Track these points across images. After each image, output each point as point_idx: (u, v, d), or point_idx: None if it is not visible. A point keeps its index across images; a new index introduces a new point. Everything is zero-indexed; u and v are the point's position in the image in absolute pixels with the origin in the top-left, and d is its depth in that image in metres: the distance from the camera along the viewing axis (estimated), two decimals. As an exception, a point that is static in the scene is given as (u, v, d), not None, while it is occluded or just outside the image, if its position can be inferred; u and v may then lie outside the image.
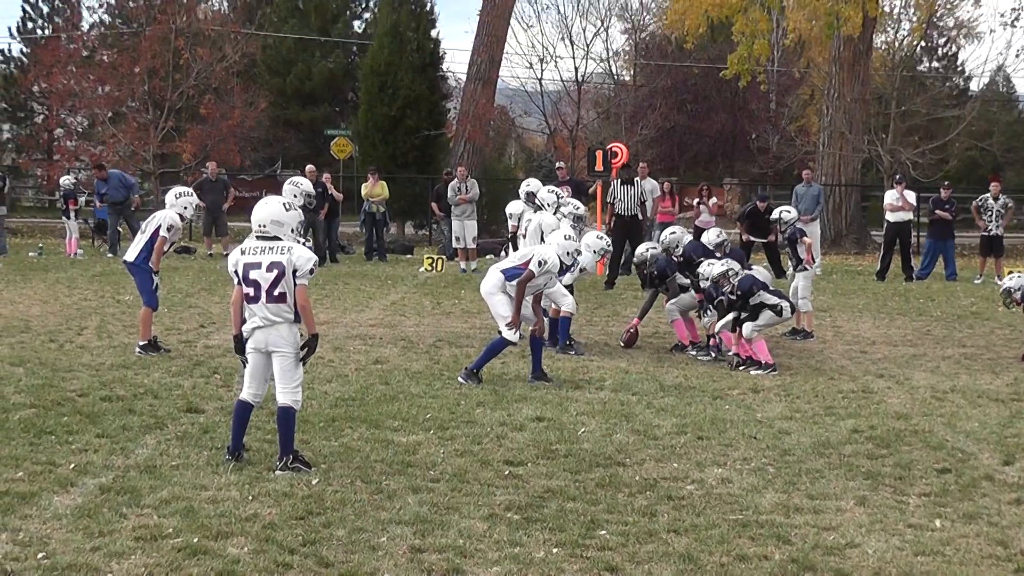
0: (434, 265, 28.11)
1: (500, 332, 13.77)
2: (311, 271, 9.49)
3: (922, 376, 14.69)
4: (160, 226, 15.10)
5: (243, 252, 9.58)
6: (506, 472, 9.57)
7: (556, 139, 51.45)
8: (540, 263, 13.66)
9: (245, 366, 9.71)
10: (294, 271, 9.39)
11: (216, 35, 44.62)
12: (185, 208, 15.55)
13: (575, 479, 9.40)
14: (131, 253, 15.32)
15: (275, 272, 9.35)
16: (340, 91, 60.24)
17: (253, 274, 9.42)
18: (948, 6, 46.68)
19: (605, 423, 11.45)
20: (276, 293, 9.37)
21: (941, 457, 10.33)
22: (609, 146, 30.74)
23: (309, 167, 31.22)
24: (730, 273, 15.09)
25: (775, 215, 18.80)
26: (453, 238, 29.46)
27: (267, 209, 9.68)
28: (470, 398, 12.49)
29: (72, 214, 31.46)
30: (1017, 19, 45.41)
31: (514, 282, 13.69)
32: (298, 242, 9.86)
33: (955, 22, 58.21)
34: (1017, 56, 68.39)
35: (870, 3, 35.75)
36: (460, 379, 13.41)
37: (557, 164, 29.78)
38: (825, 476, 9.66)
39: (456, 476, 9.38)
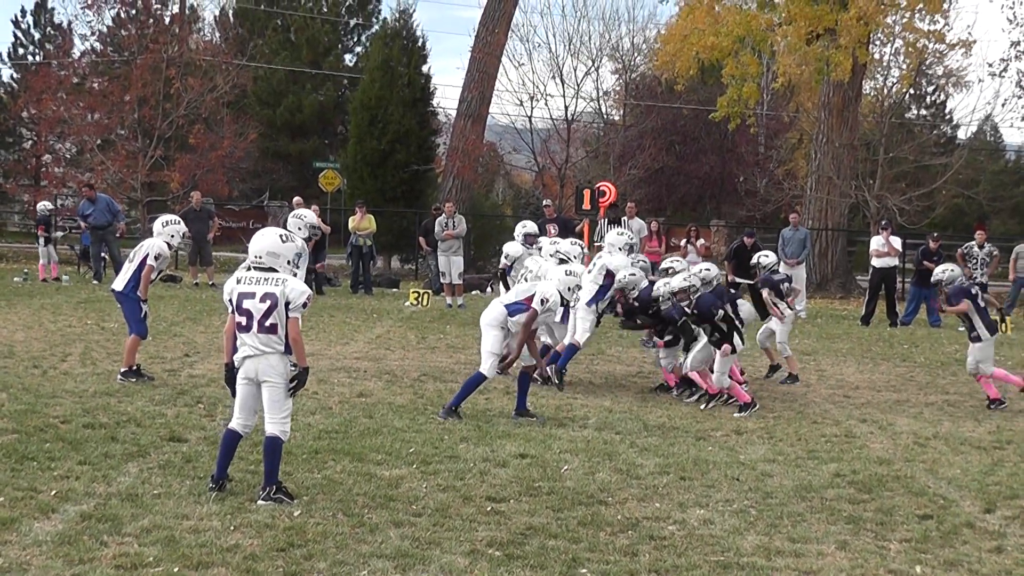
0: (420, 299, 28.11)
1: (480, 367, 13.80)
2: (304, 304, 9.51)
3: (905, 422, 14.71)
4: (148, 255, 15.11)
5: (239, 281, 9.62)
6: (488, 508, 9.56)
7: (544, 177, 51.47)
8: (543, 301, 13.70)
9: (234, 397, 9.71)
10: (287, 303, 9.42)
11: (207, 65, 44.64)
12: (172, 236, 15.54)
13: (557, 517, 9.40)
14: (119, 282, 15.32)
15: (268, 303, 9.38)
16: (330, 124, 60.40)
17: (247, 303, 9.45)
18: (937, 55, 46.83)
19: (588, 461, 11.45)
20: (267, 324, 9.40)
21: (923, 503, 10.34)
22: (597, 185, 30.85)
23: (297, 199, 31.30)
24: (691, 289, 15.07)
25: (754, 259, 18.78)
26: (439, 273, 29.48)
27: (264, 240, 9.72)
28: (454, 433, 12.49)
29: (42, 240, 31.32)
30: (1005, 69, 45.74)
31: (516, 317, 13.76)
32: (294, 274, 9.88)
33: (944, 71, 58.43)
34: (1004, 105, 68.46)
35: (860, 50, 35.92)
36: (439, 416, 13.40)
37: (544, 202, 29.87)
38: (807, 519, 9.67)
39: (438, 511, 9.37)
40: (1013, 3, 51.15)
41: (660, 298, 15.62)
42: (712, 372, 15.17)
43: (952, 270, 17.63)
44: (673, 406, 15.22)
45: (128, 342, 15.12)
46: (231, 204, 50.88)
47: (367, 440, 11.93)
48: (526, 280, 16.56)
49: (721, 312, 14.83)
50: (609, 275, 16.21)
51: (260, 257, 9.64)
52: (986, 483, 11.24)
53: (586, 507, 9.74)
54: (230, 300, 9.59)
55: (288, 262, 9.76)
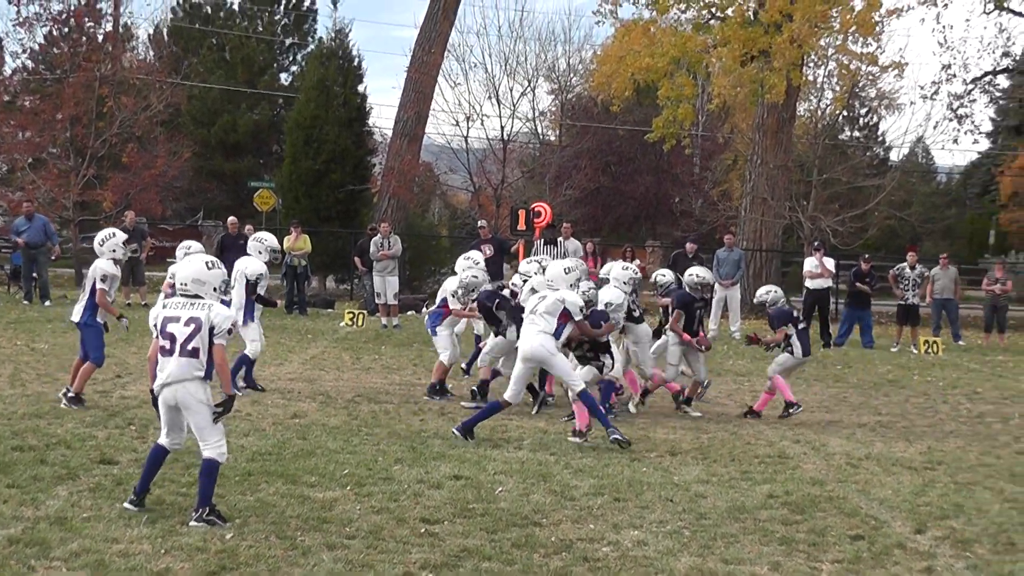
0: (355, 320, 28.02)
1: (572, 388, 14.03)
2: (228, 331, 9.49)
3: (838, 442, 14.78)
4: (95, 280, 14.97)
5: (164, 306, 9.64)
6: (422, 530, 9.53)
7: (481, 197, 51.49)
8: (581, 309, 14.01)
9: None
10: (211, 328, 9.39)
11: (141, 84, 44.31)
12: (114, 251, 15.39)
13: (491, 539, 9.37)
14: (76, 313, 15.15)
15: (192, 327, 9.41)
16: (265, 143, 60.18)
17: (171, 327, 9.47)
18: (870, 77, 47.25)
19: (523, 483, 11.44)
20: (190, 348, 9.41)
21: (855, 524, 10.39)
22: (533, 206, 30.85)
23: (231, 219, 31.15)
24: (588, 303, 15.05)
25: (652, 277, 18.75)
26: (375, 293, 29.39)
27: (190, 268, 9.78)
28: (388, 455, 12.45)
29: None
30: (936, 92, 46.23)
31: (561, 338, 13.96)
32: (220, 300, 9.86)
33: (877, 93, 58.97)
34: (936, 128, 69.25)
35: (794, 72, 36.16)
36: (455, 431, 13.63)
37: (480, 223, 29.80)
38: (740, 540, 9.69)
39: (372, 533, 9.33)
40: (943, 27, 51.86)
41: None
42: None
43: (775, 291, 17.72)
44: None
45: (84, 368, 14.94)
46: (165, 223, 50.58)
47: (300, 462, 11.87)
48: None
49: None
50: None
51: (186, 284, 9.67)
52: (917, 504, 11.31)
53: (520, 529, 9.73)
54: (155, 324, 9.58)
55: (215, 289, 9.76)
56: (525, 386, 14.25)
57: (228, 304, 12.31)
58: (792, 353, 16.94)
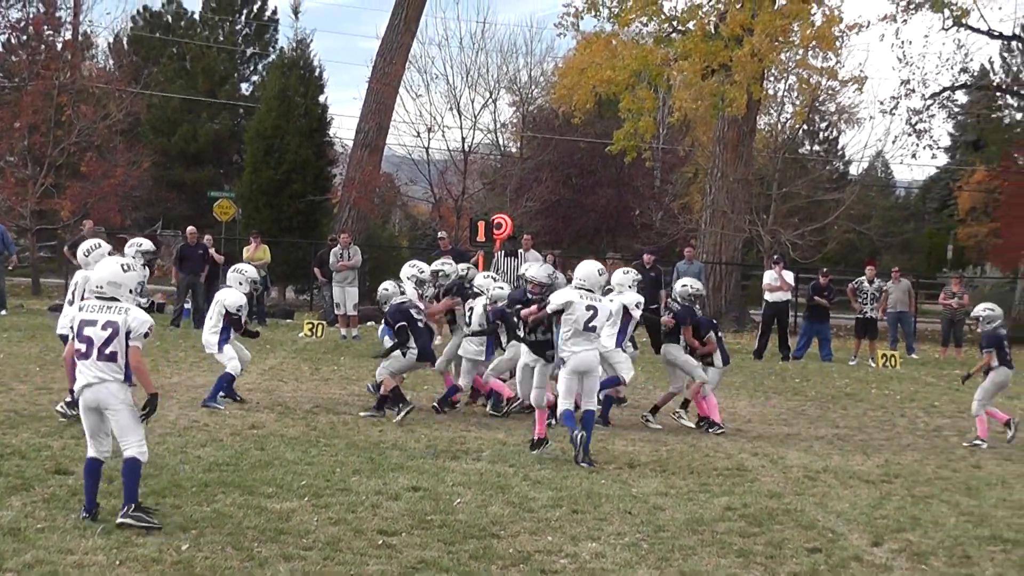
0: (314, 331, 27.94)
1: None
2: (145, 334, 9.54)
3: (795, 455, 14.82)
4: (84, 290, 14.87)
5: (81, 309, 9.69)
6: (380, 542, 9.49)
7: (441, 208, 51.49)
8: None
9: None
10: (128, 332, 9.42)
11: (100, 93, 44.14)
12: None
13: (449, 550, 9.35)
14: (64, 326, 14.99)
15: (109, 331, 9.46)
16: (225, 153, 59.98)
17: (87, 331, 9.51)
18: (830, 91, 47.48)
19: (481, 494, 11.41)
20: (107, 352, 9.45)
21: (812, 537, 10.41)
22: (494, 217, 30.86)
23: (190, 228, 31.04)
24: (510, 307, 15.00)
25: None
26: (334, 304, 29.32)
27: (105, 271, 9.81)
28: (346, 466, 12.40)
29: None
30: (896, 107, 46.39)
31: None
32: (137, 303, 9.86)
33: (837, 107, 59.27)
34: (895, 142, 69.75)
35: (755, 86, 36.30)
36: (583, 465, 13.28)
37: (440, 234, 29.78)
38: (698, 553, 9.69)
39: (329, 545, 9.29)
40: (903, 43, 52.10)
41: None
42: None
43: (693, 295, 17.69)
44: (567, 439, 15.19)
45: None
46: (123, 233, 50.30)
47: (258, 473, 11.82)
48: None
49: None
50: (627, 314, 16.32)
51: (101, 287, 9.68)
52: (874, 517, 11.34)
53: (478, 540, 9.70)
54: (72, 327, 9.59)
55: (130, 291, 9.79)
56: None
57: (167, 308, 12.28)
58: (714, 365, 17.03)
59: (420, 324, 16.49)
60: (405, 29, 41.55)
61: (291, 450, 13.19)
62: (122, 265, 9.87)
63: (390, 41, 41.51)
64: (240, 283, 17.21)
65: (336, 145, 49.25)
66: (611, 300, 15.76)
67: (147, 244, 16.77)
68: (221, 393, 16.48)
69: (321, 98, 44.01)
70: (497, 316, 16.64)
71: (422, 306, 17.11)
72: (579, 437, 13.34)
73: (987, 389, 17.03)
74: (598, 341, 14.03)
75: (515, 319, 15.86)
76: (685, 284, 17.45)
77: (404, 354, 16.30)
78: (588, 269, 14.17)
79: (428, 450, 13.65)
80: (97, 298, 9.69)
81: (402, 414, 15.92)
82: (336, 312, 29.12)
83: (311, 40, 43.88)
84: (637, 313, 16.52)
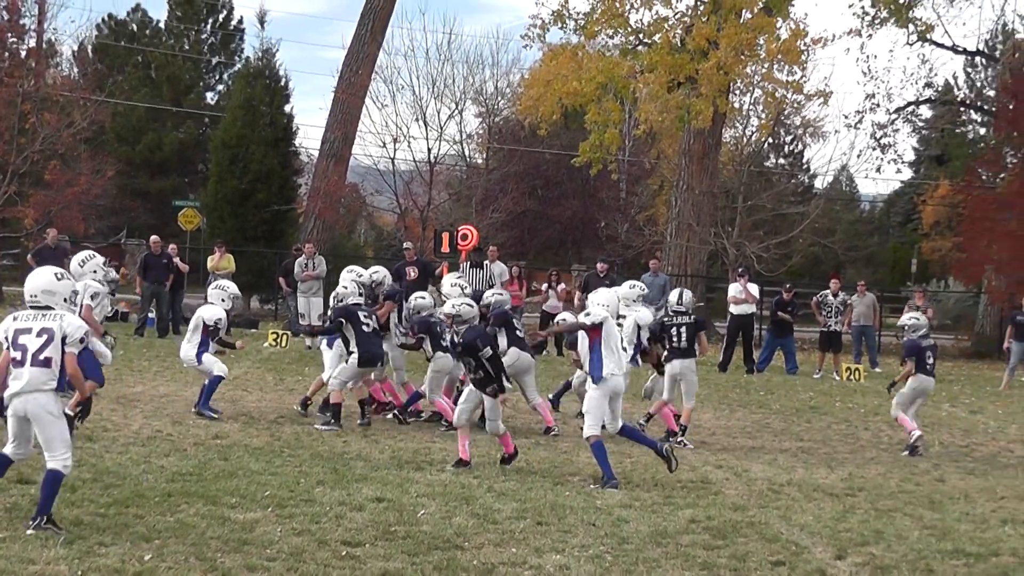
0: (279, 340, 27.86)
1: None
2: (81, 340, 9.52)
3: (760, 468, 14.85)
4: (82, 298, 14.82)
5: (15, 319, 9.69)
6: (343, 552, 9.46)
7: (407, 219, 51.45)
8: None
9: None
10: (64, 338, 9.42)
11: (65, 101, 43.88)
12: (95, 272, 15.47)
13: (412, 561, 9.31)
14: None
15: (44, 337, 9.48)
16: (190, 162, 59.89)
17: (22, 339, 9.51)
18: (796, 105, 47.64)
19: (445, 505, 11.39)
20: (42, 358, 9.44)
21: (776, 550, 10.41)
22: (459, 228, 30.84)
23: (154, 237, 30.96)
24: (457, 317, 14.91)
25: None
26: (299, 314, 29.25)
27: (38, 279, 9.85)
28: (310, 476, 12.37)
29: None
30: (861, 121, 46.61)
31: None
32: (71, 311, 9.85)
33: (802, 121, 59.46)
34: (859, 157, 69.90)
35: (721, 99, 36.40)
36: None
37: (405, 244, 29.73)
38: (662, 565, 9.68)
39: (293, 555, 9.25)
40: (868, 57, 52.39)
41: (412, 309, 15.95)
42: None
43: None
44: (531, 451, 15.20)
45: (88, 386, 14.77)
46: (88, 242, 50.07)
47: (222, 483, 11.77)
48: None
49: (489, 351, 14.31)
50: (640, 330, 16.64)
51: (35, 296, 9.73)
52: (837, 530, 11.36)
53: (442, 552, 9.67)
54: (6, 336, 9.58)
55: (64, 299, 9.80)
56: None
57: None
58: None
59: (365, 327, 16.42)
60: (371, 39, 41.55)
61: (255, 460, 13.15)
62: (56, 274, 9.92)
63: (356, 51, 41.49)
64: (222, 300, 17.34)
65: (302, 155, 49.14)
66: (623, 317, 16.00)
67: (233, 289, 17.82)
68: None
69: (287, 108, 43.93)
70: (423, 327, 16.73)
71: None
72: (666, 448, 13.62)
73: (905, 395, 17.53)
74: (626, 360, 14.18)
75: (439, 330, 16.29)
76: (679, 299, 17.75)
77: (347, 360, 16.32)
78: (608, 295, 14.33)
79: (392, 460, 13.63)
80: (31, 307, 9.70)
81: (327, 427, 16.03)
82: (300, 322, 29.03)
83: (277, 50, 43.71)
84: (646, 333, 16.70)
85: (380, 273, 18.55)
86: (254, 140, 41.07)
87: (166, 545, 9.32)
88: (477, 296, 17.70)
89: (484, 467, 13.69)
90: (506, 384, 14.43)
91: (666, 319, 17.29)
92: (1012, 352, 29.08)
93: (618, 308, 14.41)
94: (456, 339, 14.78)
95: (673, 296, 17.64)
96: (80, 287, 14.87)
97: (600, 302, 13.85)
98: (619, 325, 14.37)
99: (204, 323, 16.86)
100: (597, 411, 13.36)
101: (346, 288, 16.98)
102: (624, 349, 14.03)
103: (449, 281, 18.34)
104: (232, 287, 17.80)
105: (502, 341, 16.58)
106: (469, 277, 26.15)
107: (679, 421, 17.06)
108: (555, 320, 17.59)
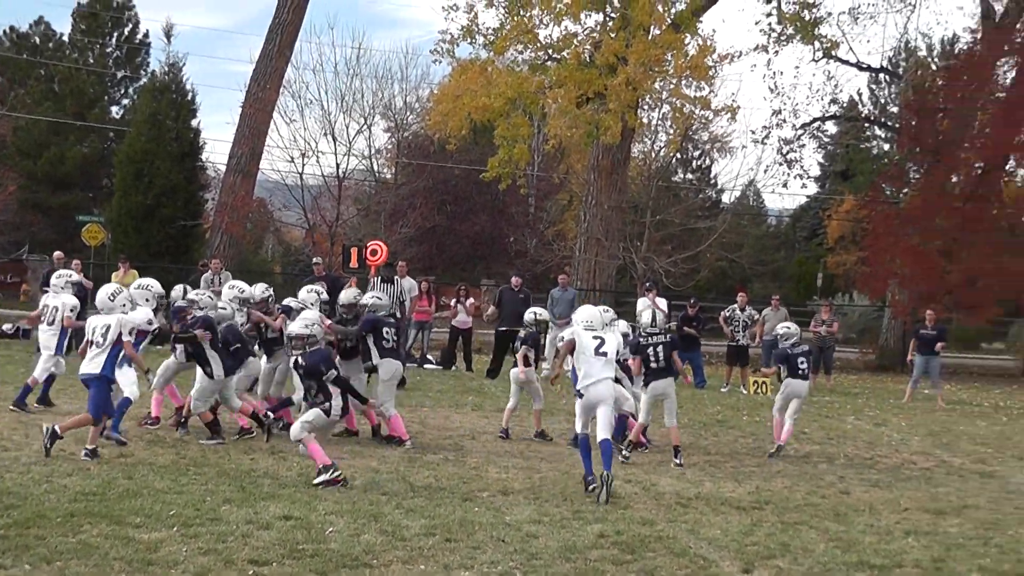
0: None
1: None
2: None
3: (668, 482, 14.88)
4: (120, 333, 14.83)
5: None
6: (250, 572, 9.37)
7: (315, 234, 51.23)
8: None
9: None
10: None
11: (-35, 115, 43.44)
12: (124, 305, 15.53)
13: (320, 580, 9.25)
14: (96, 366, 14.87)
15: None
16: (95, 177, 59.23)
17: None
18: (703, 121, 48.02)
19: (354, 523, 11.31)
20: None
21: (684, 563, 10.43)
22: (368, 244, 30.74)
23: (57, 253, 30.54)
24: (308, 338, 14.64)
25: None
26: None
27: None
28: (216, 494, 12.23)
29: None
30: (767, 137, 47.09)
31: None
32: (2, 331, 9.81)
33: (710, 136, 59.94)
34: (766, 172, 70.69)
35: (629, 114, 36.56)
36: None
37: (314, 260, 29.60)
38: (571, 581, 9.68)
39: (198, 575, 9.14)
40: (774, 73, 52.88)
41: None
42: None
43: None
44: (440, 467, 15.14)
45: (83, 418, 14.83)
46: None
47: (126, 502, 11.61)
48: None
49: (333, 373, 14.28)
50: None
51: None
52: (745, 543, 11.41)
53: (350, 570, 9.61)
54: None
55: None
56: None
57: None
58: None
59: (226, 345, 16.33)
60: (279, 54, 41.40)
61: (160, 479, 12.99)
62: None
63: (264, 66, 41.31)
64: (147, 300, 17.10)
65: (208, 170, 48.87)
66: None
67: (156, 287, 17.70)
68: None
69: (193, 122, 43.66)
70: (368, 326, 16.94)
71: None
72: (606, 476, 13.50)
73: (780, 398, 18.57)
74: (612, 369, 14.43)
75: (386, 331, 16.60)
76: (532, 311, 18.57)
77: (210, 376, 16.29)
78: (591, 311, 14.96)
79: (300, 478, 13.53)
80: None
81: (212, 442, 16.13)
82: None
83: (183, 64, 43.43)
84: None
85: (267, 290, 18.45)
86: (160, 155, 40.77)
87: (68, 567, 9.18)
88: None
89: (393, 483, 13.61)
90: (335, 403, 14.36)
91: (641, 340, 17.35)
92: (915, 365, 29.39)
93: (603, 320, 15.05)
94: (300, 360, 14.50)
95: (646, 317, 17.78)
96: (112, 322, 14.94)
97: (581, 320, 14.47)
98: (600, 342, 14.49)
99: (136, 328, 16.48)
100: (579, 416, 14.37)
101: (225, 308, 17.08)
102: (603, 354, 14.22)
103: (306, 288, 18.34)
104: (156, 285, 17.54)
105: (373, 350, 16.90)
106: (380, 292, 26.10)
107: (645, 436, 17.77)
108: (556, 346, 18.23)
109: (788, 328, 18.76)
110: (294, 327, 14.81)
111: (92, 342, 14.81)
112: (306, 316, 15.37)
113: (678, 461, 16.61)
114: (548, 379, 17.84)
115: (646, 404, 17.17)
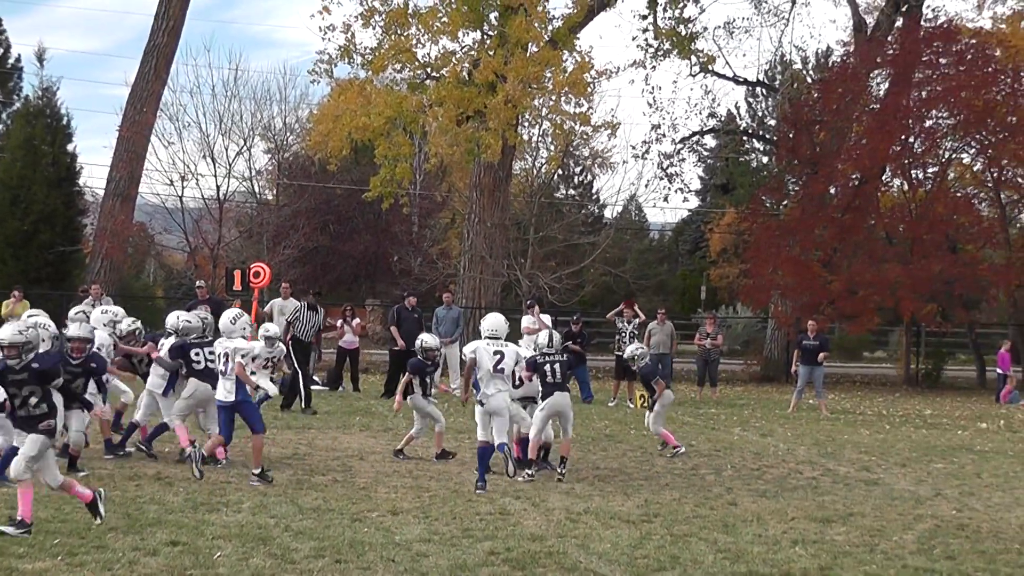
0: (67, 384, 27.14)
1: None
2: None
3: (557, 498, 14.91)
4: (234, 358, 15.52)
5: None
6: (137, 600, 9.25)
7: (197, 257, 50.75)
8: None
9: None
10: None
11: None
12: (245, 329, 16.37)
13: (209, 606, 9.16)
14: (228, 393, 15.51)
15: None
16: (-32, 204, 58.22)
17: None
18: (584, 137, 48.27)
19: (242, 547, 11.21)
20: None
21: (576, 578, 10.47)
22: (251, 266, 30.55)
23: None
24: (25, 346, 13.91)
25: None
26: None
27: None
28: (102, 523, 12.05)
29: None
30: (647, 151, 47.51)
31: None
32: None
33: (590, 152, 60.28)
34: (647, 186, 71.22)
35: (510, 131, 36.66)
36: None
37: (198, 283, 29.38)
38: (463, 598, 9.66)
39: (84, 605, 9.03)
40: (652, 89, 53.33)
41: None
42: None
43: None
44: (328, 488, 15.06)
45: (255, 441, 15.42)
46: None
47: (8, 533, 11.42)
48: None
49: (60, 380, 12.91)
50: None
51: None
52: (635, 556, 11.46)
53: (239, 595, 9.53)
54: None
55: None
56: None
57: None
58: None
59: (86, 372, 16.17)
60: (155, 77, 40.98)
61: (43, 508, 12.76)
62: None
63: (140, 89, 40.87)
64: (106, 324, 17.02)
65: (87, 194, 48.24)
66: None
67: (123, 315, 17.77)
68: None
69: (69, 147, 43.11)
70: (176, 353, 16.96)
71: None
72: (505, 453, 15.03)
73: (657, 412, 19.76)
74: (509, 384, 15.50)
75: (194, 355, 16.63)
76: (421, 339, 18.38)
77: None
78: (495, 320, 15.90)
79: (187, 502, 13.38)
80: None
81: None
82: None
83: (58, 88, 42.96)
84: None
85: (134, 323, 18.28)
86: (36, 180, 40.23)
87: (-51, 600, 9.02)
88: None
89: (281, 506, 13.51)
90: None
91: (538, 359, 17.36)
92: (799, 375, 29.71)
93: (506, 330, 16.01)
94: (33, 364, 13.37)
95: (543, 338, 17.82)
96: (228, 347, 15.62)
97: (486, 328, 15.97)
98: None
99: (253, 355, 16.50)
100: (480, 424, 15.91)
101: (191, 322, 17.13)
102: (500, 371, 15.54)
103: (100, 310, 18.57)
104: (120, 311, 17.54)
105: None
106: (304, 320, 25.96)
107: (544, 452, 17.80)
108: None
109: (642, 348, 20.14)
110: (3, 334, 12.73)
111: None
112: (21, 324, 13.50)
113: (561, 471, 16.68)
114: (461, 400, 18.33)
115: (541, 420, 17.20)
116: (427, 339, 18.05)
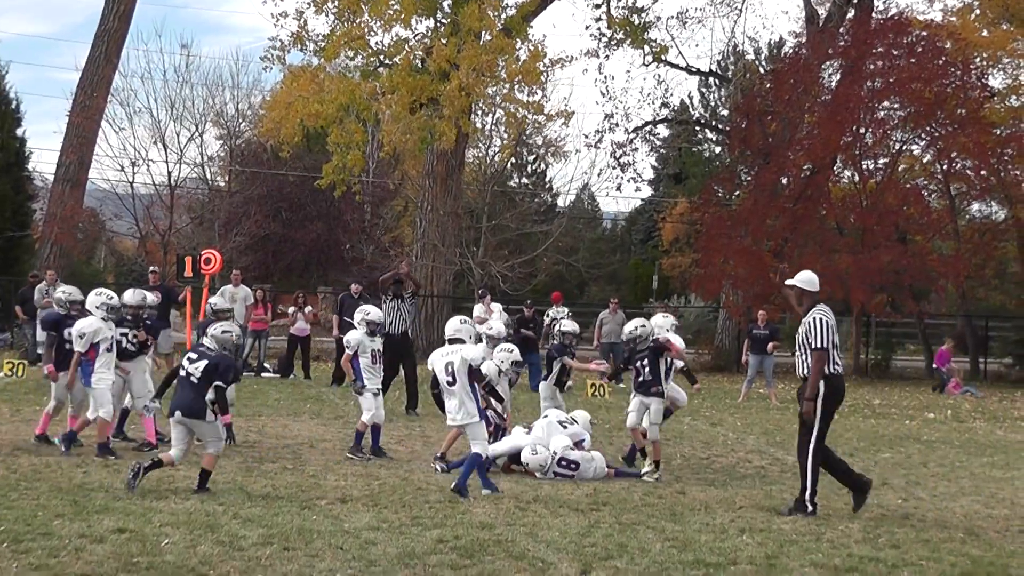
0: (15, 370, 27.03)
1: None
2: None
3: (507, 486, 14.92)
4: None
5: None
6: (83, 587, 9.22)
7: (148, 244, 50.56)
8: None
9: None
10: None
11: None
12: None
13: (156, 593, 9.14)
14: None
15: None
16: (-84, 191, 57.82)
17: None
18: (537, 125, 48.36)
19: (190, 534, 11.18)
20: None
21: (522, 566, 10.48)
22: (202, 252, 30.44)
23: None
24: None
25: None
26: (36, 343, 28.46)
27: None
28: (48, 509, 12.01)
29: None
30: (600, 140, 47.65)
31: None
32: None
33: (544, 141, 60.34)
34: (600, 175, 71.39)
35: (463, 119, 36.68)
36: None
37: (151, 269, 29.31)
38: (410, 586, 9.67)
39: (29, 592, 8.99)
40: (605, 78, 53.43)
41: None
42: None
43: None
44: (278, 475, 15.05)
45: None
46: None
47: (-47, 520, 11.37)
48: None
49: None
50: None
51: None
52: (583, 545, 11.49)
53: (186, 582, 9.51)
54: None
55: None
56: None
57: None
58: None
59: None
60: (106, 62, 40.79)
61: (-12, 495, 12.73)
62: None
63: (91, 74, 40.67)
64: (96, 307, 16.70)
65: (36, 180, 47.99)
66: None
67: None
68: None
69: (18, 131, 42.93)
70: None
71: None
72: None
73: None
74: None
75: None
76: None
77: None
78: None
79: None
80: None
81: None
82: (39, 351, 28.24)
83: (6, 72, 42.76)
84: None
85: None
86: (-16, 166, 40.04)
87: None
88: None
89: (229, 493, 13.49)
90: None
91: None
92: (750, 365, 29.86)
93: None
94: None
95: (495, 328, 18.25)
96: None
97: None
98: None
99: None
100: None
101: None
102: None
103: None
104: (111, 296, 17.21)
105: None
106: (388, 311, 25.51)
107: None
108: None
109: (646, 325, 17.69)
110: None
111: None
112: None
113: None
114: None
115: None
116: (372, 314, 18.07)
